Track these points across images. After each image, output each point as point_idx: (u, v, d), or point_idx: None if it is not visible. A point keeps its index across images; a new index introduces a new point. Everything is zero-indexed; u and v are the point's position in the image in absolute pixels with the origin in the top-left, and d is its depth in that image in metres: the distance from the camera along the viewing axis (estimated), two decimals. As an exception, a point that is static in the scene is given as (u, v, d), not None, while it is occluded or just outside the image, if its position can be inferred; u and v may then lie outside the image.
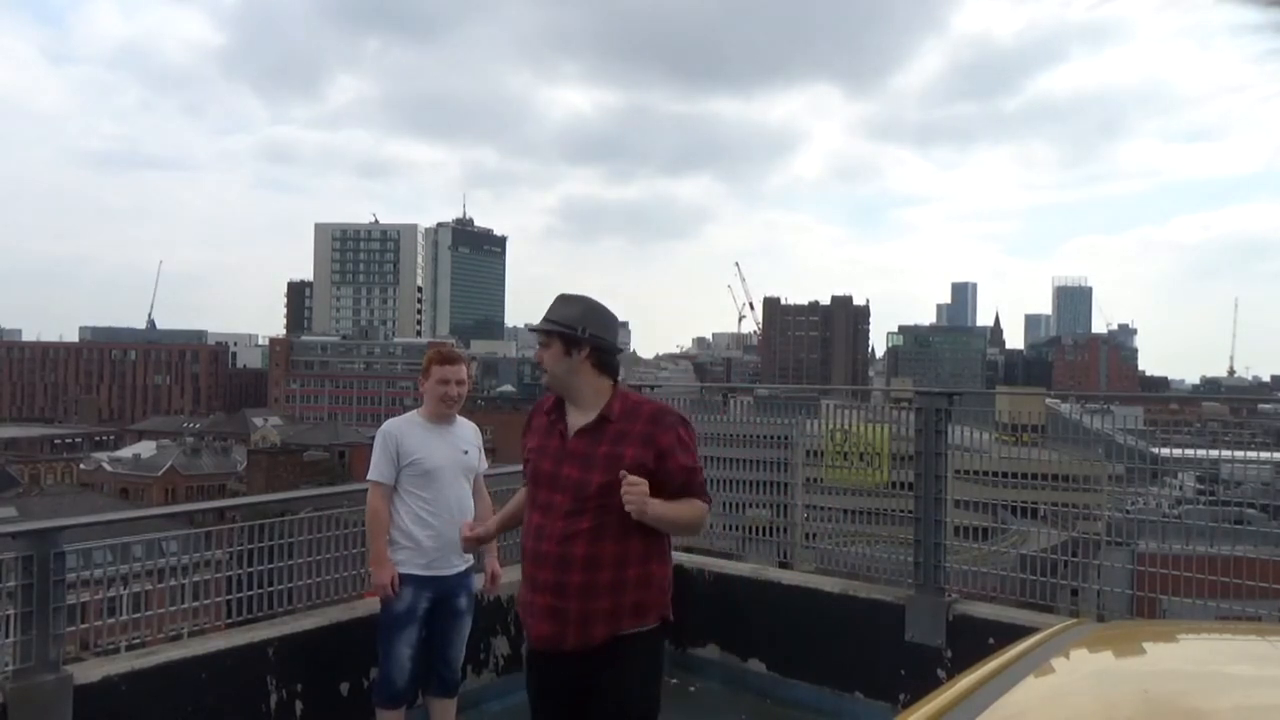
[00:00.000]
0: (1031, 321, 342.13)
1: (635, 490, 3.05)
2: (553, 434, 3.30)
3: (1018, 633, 2.20)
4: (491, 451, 5.20)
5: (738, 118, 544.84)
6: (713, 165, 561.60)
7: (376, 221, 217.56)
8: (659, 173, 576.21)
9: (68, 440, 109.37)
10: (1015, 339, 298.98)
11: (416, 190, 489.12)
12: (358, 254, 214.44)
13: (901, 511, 5.91)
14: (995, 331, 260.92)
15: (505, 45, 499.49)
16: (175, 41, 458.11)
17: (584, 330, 3.27)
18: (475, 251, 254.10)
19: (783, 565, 6.61)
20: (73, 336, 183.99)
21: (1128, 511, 5.66)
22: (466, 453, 4.59)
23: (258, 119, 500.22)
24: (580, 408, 3.27)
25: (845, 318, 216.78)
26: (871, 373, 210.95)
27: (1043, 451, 5.86)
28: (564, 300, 3.36)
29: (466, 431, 4.72)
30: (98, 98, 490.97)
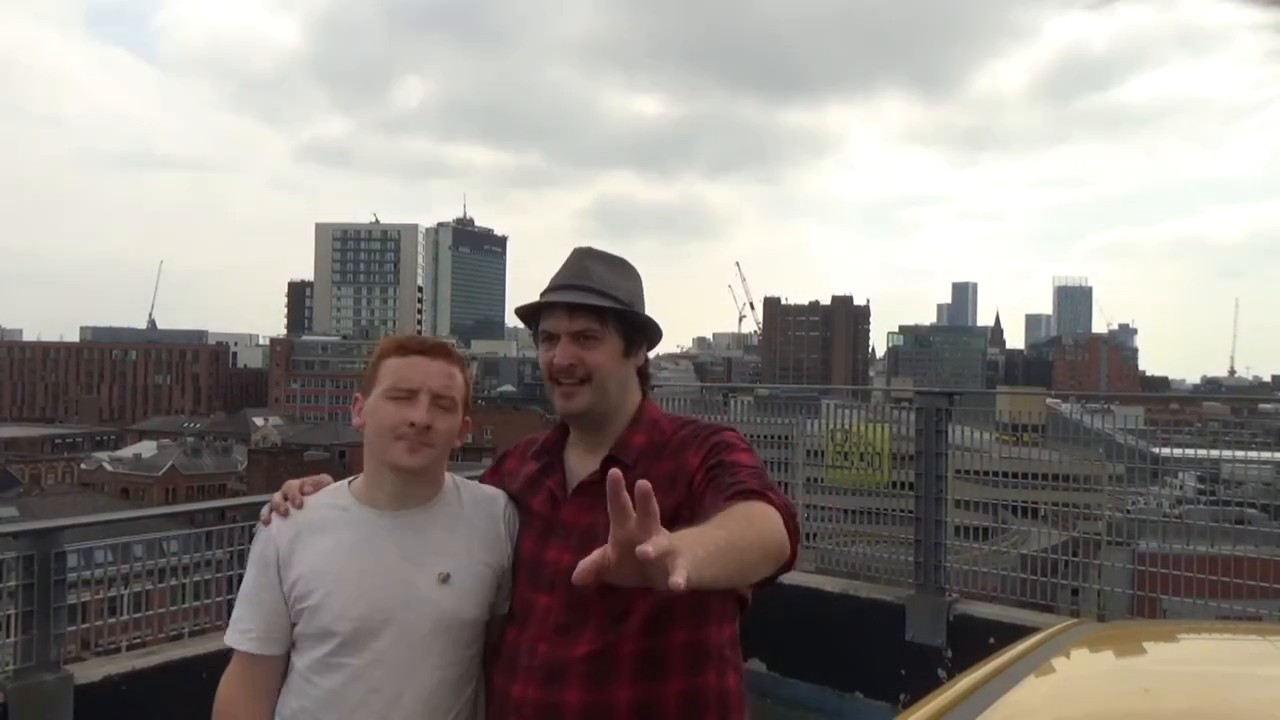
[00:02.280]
0: (1032, 321, 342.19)
1: (661, 546, 1.33)
2: (538, 490, 2.01)
3: (1018, 633, 2.20)
4: (492, 451, 4.84)
5: (742, 119, 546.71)
6: (716, 166, 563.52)
7: (377, 221, 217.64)
8: (663, 176, 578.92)
9: (68, 440, 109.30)
10: (1016, 339, 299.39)
11: (418, 192, 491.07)
12: (358, 254, 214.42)
13: (902, 511, 5.92)
14: (996, 331, 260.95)
15: (507, 45, 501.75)
16: (177, 43, 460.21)
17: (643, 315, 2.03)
18: (475, 251, 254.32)
19: (783, 565, 6.60)
20: (73, 336, 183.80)
21: (1128, 511, 5.66)
22: (446, 579, 1.93)
23: (263, 120, 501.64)
24: (592, 446, 1.99)
25: (845, 317, 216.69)
26: (872, 373, 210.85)
27: (1043, 451, 5.87)
28: (609, 264, 2.01)
29: (453, 519, 2.03)
30: (98, 98, 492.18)
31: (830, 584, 5.94)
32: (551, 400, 1.98)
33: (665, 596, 1.56)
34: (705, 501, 1.76)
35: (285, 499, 1.99)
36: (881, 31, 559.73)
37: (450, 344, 2.02)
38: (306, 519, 1.96)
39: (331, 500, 2.00)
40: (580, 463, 1.99)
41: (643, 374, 2.05)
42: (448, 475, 2.04)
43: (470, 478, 2.15)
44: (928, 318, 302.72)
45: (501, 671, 1.91)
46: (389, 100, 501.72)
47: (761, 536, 1.62)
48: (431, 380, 1.90)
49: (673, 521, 1.65)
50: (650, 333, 2.03)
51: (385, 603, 1.88)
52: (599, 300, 1.92)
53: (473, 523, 1.99)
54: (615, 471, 1.38)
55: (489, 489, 2.11)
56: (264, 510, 2.01)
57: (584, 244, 2.10)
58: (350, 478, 2.05)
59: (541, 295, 1.98)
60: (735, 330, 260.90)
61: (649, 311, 2.04)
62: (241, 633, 1.93)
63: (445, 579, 1.92)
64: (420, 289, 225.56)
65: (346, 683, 1.86)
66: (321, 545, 1.92)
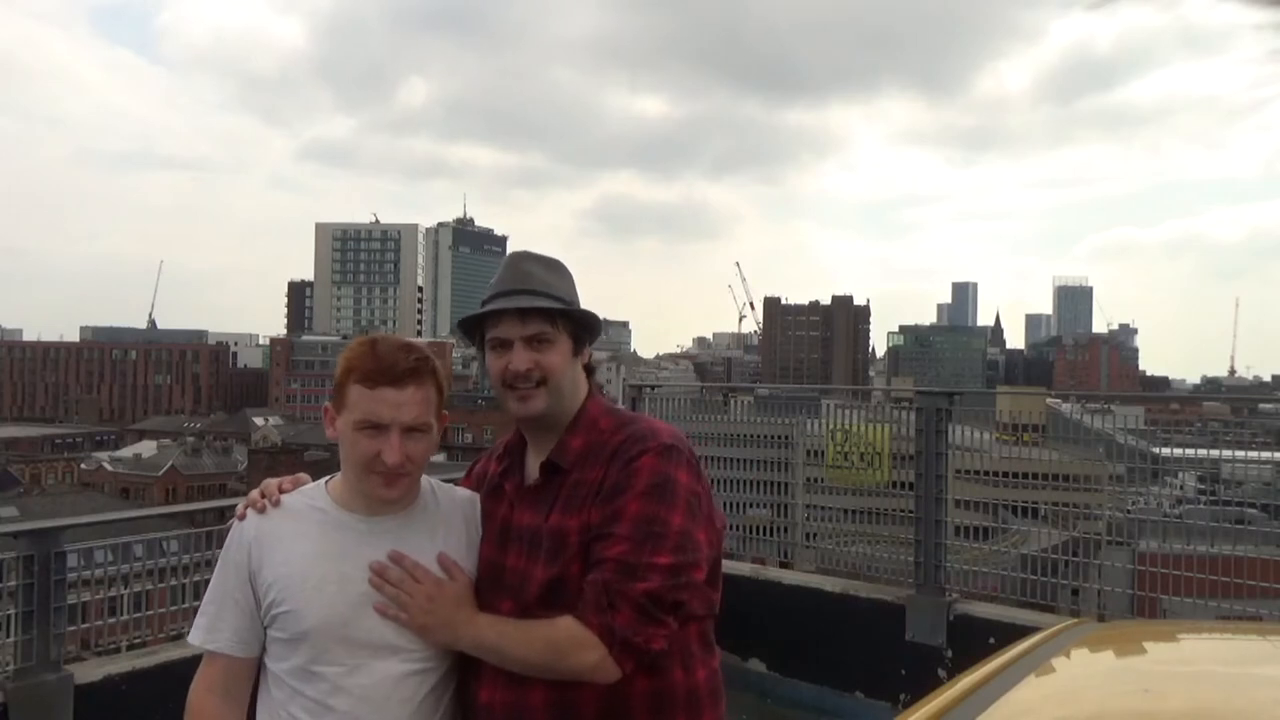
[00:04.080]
0: (1032, 321, 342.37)
1: (409, 590, 1.85)
2: (500, 494, 2.03)
3: (1018, 632, 2.20)
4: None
5: (745, 120, 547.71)
6: (718, 166, 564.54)
7: (377, 221, 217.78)
8: (665, 176, 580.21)
9: (68, 440, 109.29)
10: (1016, 339, 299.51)
11: (420, 192, 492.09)
12: (358, 254, 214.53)
13: (902, 511, 5.91)
14: (996, 331, 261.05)
15: (512, 45, 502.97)
16: (181, 43, 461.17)
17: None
18: (475, 251, 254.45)
19: (783, 565, 6.61)
20: (73, 336, 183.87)
21: (1128, 511, 5.66)
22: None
23: (266, 120, 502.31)
24: (542, 448, 2.00)
25: (846, 317, 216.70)
26: (872, 372, 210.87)
27: (1043, 451, 5.87)
28: (546, 266, 2.04)
29: (431, 523, 2.02)
30: (100, 97, 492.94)
31: (830, 584, 5.94)
32: (506, 407, 1.98)
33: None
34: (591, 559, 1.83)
35: (263, 496, 1.96)
36: (886, 33, 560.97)
37: (420, 356, 1.91)
38: (281, 519, 1.92)
39: (308, 501, 1.95)
40: (534, 465, 1.99)
41: (588, 369, 2.05)
42: (424, 479, 2.01)
43: (447, 479, 2.15)
44: (928, 318, 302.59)
45: (469, 676, 1.92)
46: (392, 100, 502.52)
47: (548, 658, 1.80)
48: (402, 414, 1.84)
49: (581, 536, 1.85)
50: (594, 330, 2.05)
51: (368, 609, 1.85)
52: (549, 303, 1.94)
53: (451, 526, 1.98)
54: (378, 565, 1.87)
55: (463, 491, 2.11)
56: (239, 505, 1.97)
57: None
58: (327, 477, 2.00)
59: (484, 303, 2.00)
60: (735, 330, 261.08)
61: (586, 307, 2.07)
62: (213, 633, 1.88)
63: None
64: (420, 289, 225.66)
65: (330, 691, 1.83)
66: (299, 549, 1.87)
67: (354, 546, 1.89)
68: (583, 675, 1.78)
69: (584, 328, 2.01)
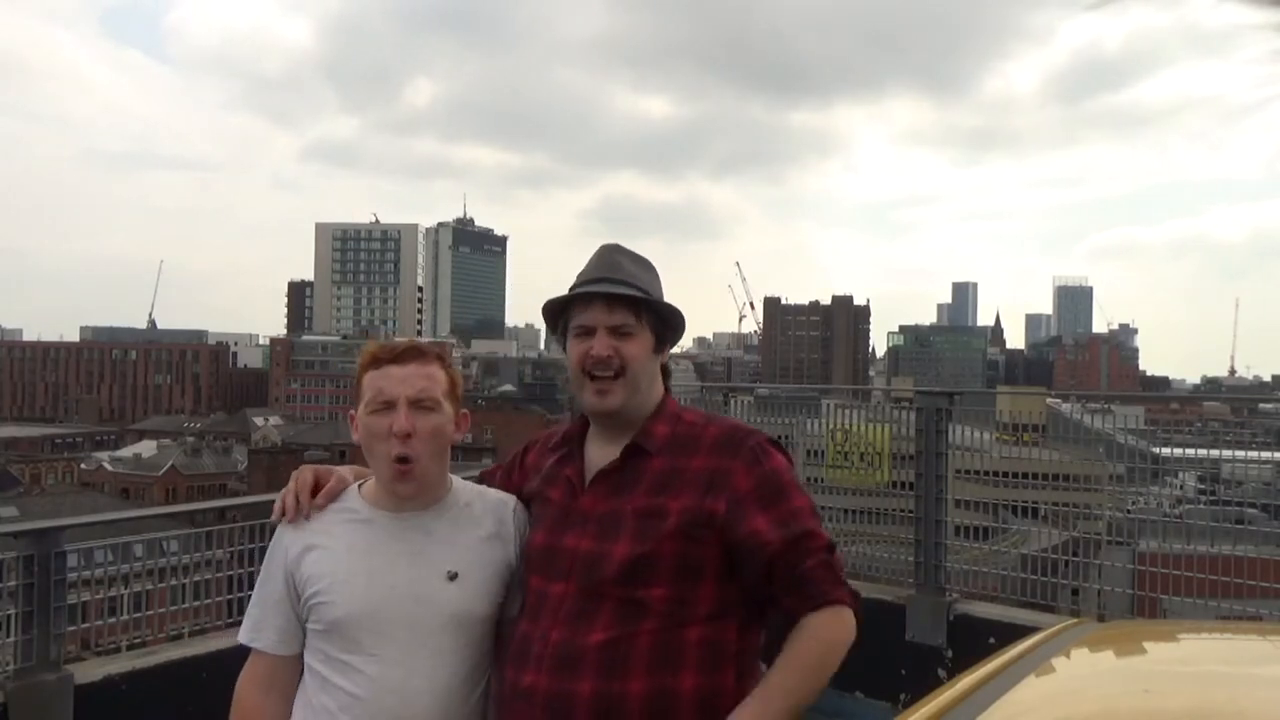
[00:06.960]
0: (1032, 321, 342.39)
1: None
2: (556, 482, 2.00)
3: (1018, 632, 2.20)
4: (492, 452, 4.75)
5: (749, 120, 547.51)
6: (721, 167, 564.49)
7: (377, 221, 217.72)
8: (668, 176, 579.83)
9: (68, 440, 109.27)
10: (1016, 339, 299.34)
11: (424, 192, 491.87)
12: (358, 254, 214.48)
13: (902, 511, 5.91)
14: (996, 331, 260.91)
15: (517, 45, 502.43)
16: (188, 43, 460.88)
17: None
18: (475, 251, 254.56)
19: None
20: (73, 336, 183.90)
21: (1128, 511, 5.66)
22: (455, 577, 1.95)
23: (271, 120, 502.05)
24: (614, 436, 1.97)
25: (846, 317, 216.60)
26: (872, 372, 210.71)
27: (1043, 451, 5.87)
28: (636, 260, 2.03)
29: (460, 519, 2.04)
30: (107, 97, 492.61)
31: (830, 584, 5.94)
32: (580, 398, 1.98)
33: (683, 588, 1.83)
34: (782, 599, 1.88)
35: (297, 501, 1.99)
36: (892, 34, 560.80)
37: (423, 343, 2.04)
38: (315, 519, 2.00)
39: (340, 504, 2.02)
40: (600, 453, 1.97)
41: (665, 370, 2.07)
42: (458, 480, 2.06)
43: (468, 477, 2.18)
44: (928, 318, 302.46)
45: (512, 664, 1.88)
46: (397, 100, 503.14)
47: (827, 665, 1.87)
48: (407, 387, 1.92)
49: (699, 528, 1.84)
50: (677, 330, 2.06)
51: (396, 601, 1.90)
52: (636, 293, 1.94)
53: (480, 522, 2.02)
54: None
55: (497, 493, 2.12)
56: (277, 503, 2.03)
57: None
58: (360, 480, 2.06)
59: (573, 288, 1.98)
60: (735, 330, 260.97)
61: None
62: (258, 632, 1.98)
63: (454, 577, 1.94)
64: (420, 289, 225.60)
65: (362, 682, 1.88)
66: (332, 547, 1.95)
67: (382, 541, 1.95)
68: (846, 648, 1.94)
69: (667, 326, 2.02)
